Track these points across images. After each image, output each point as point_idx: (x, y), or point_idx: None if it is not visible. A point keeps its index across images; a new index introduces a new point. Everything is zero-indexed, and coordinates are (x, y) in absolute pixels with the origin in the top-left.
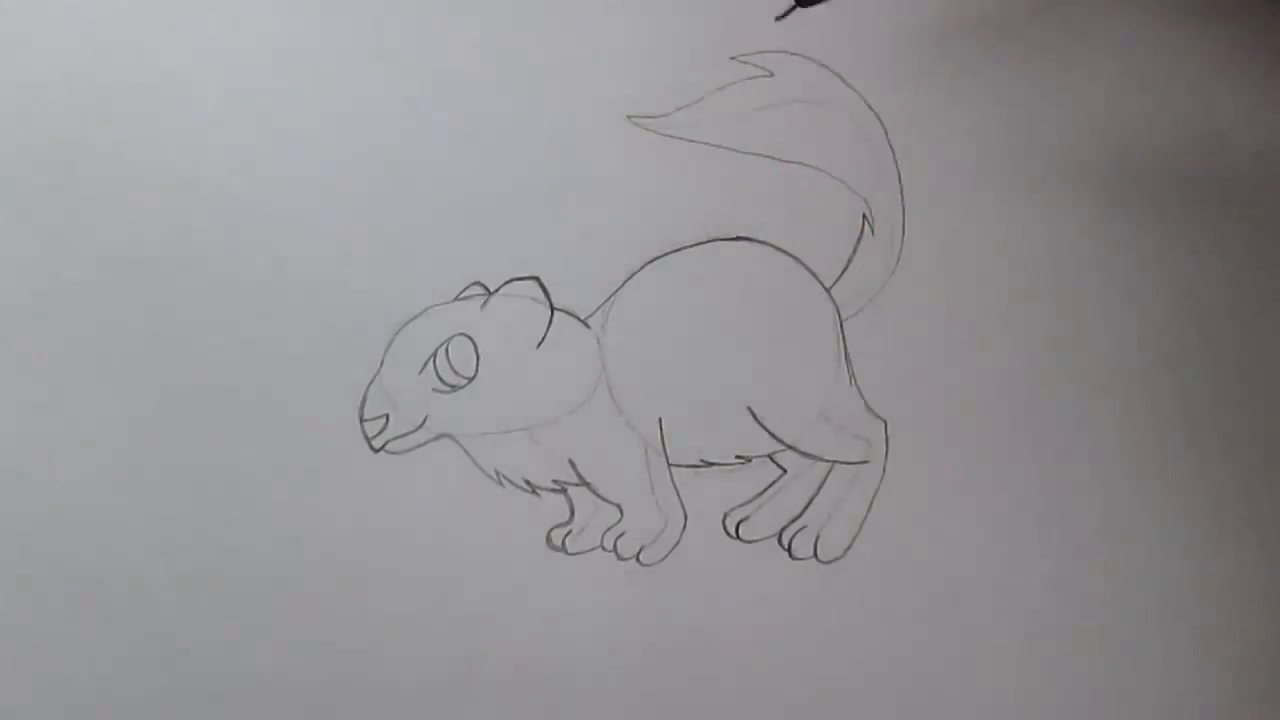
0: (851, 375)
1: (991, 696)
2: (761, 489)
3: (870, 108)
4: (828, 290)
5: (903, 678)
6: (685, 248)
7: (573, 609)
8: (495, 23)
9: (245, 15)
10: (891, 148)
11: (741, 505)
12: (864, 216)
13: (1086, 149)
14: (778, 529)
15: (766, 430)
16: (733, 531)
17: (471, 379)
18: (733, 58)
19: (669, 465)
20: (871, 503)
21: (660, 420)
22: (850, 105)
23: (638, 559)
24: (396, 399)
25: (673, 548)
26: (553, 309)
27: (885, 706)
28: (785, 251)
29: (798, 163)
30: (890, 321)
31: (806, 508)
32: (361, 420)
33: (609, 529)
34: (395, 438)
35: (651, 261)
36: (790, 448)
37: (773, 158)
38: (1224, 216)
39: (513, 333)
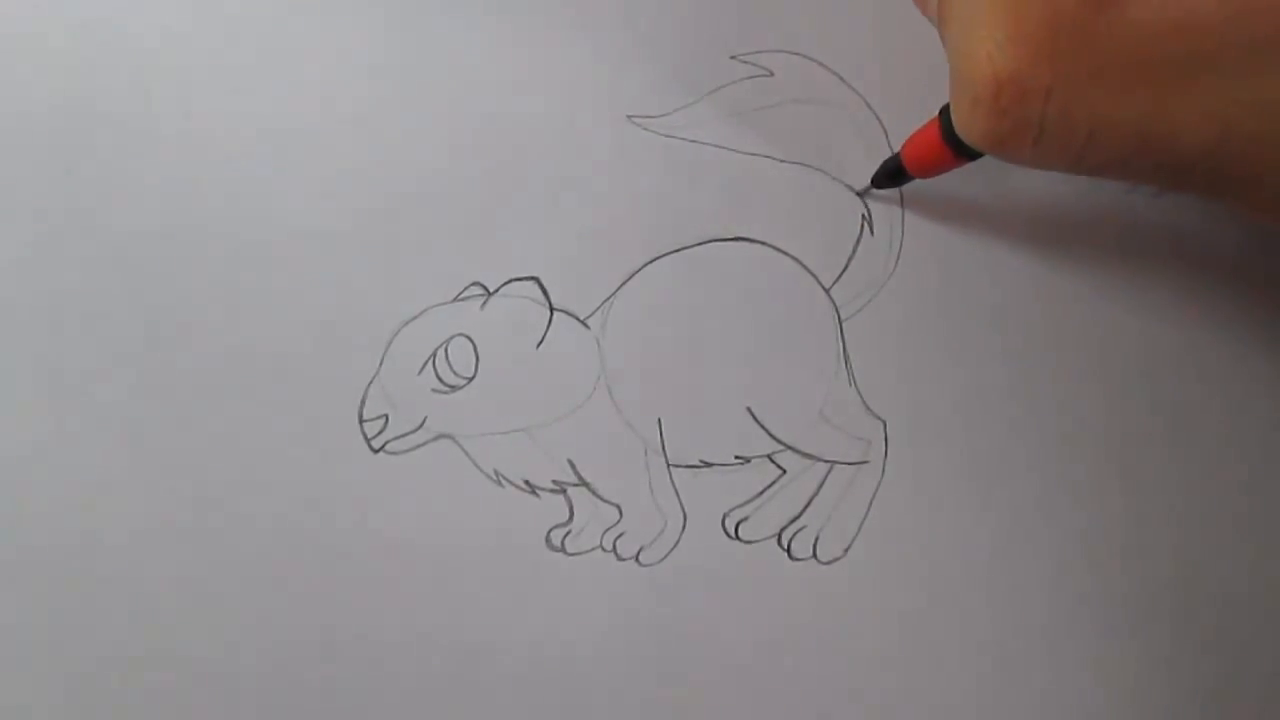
0: (851, 375)
1: (991, 696)
2: (761, 489)
3: (870, 108)
4: (827, 290)
5: (902, 678)
6: (685, 248)
7: (572, 609)
8: (494, 22)
9: (245, 16)
10: (891, 148)
11: (741, 505)
12: (864, 216)
13: None
14: (777, 529)
15: (766, 430)
16: (732, 532)
17: (471, 379)
18: (733, 57)
19: (668, 465)
20: (871, 503)
21: (660, 420)
22: (850, 105)
23: (637, 559)
24: (396, 399)
25: (672, 548)
26: (552, 309)
27: (885, 706)
28: (785, 251)
29: (798, 163)
30: (890, 321)
31: (806, 508)
32: (361, 420)
33: (608, 529)
34: (395, 438)
35: (651, 262)
36: (789, 448)
37: (773, 158)
38: (1228, 217)
39: (512, 333)
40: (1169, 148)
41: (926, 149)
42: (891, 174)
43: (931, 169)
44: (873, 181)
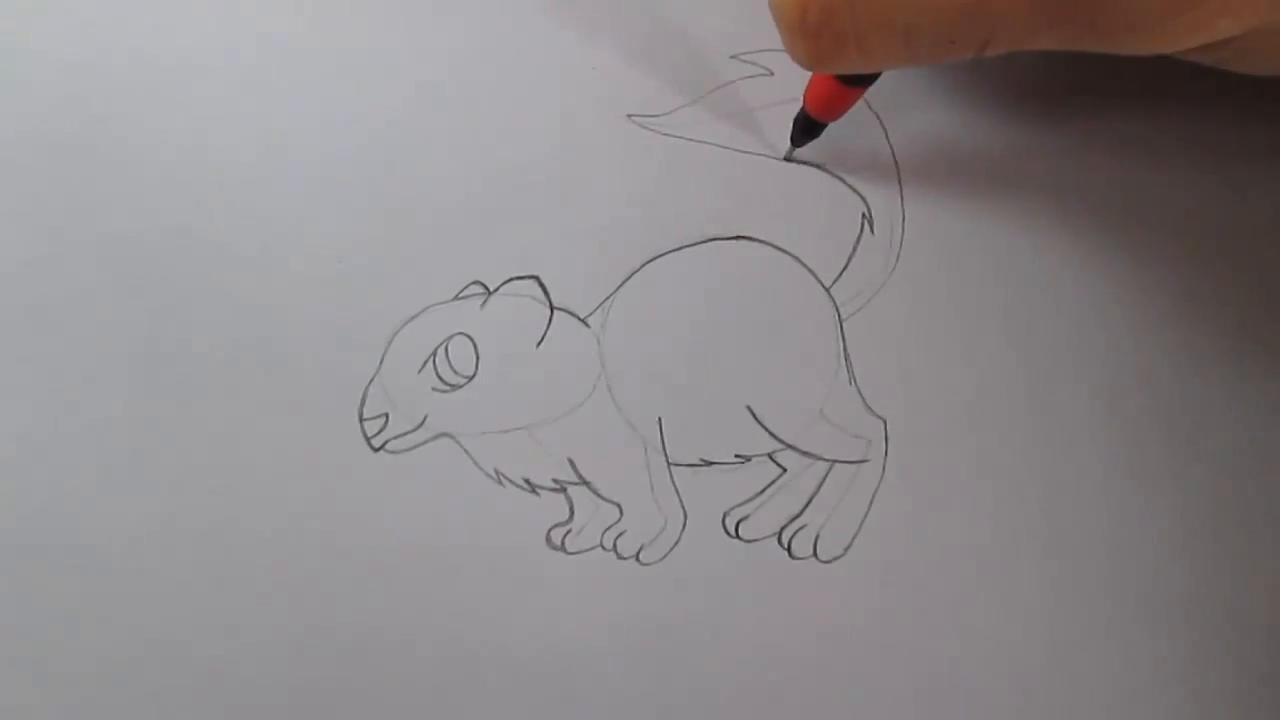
0: (851, 374)
1: (991, 696)
2: (761, 488)
3: (870, 107)
4: (827, 289)
5: (903, 678)
6: (685, 247)
7: (572, 608)
8: (494, 22)
9: (245, 15)
10: (891, 147)
11: (741, 504)
12: (864, 216)
13: (1089, 149)
14: (777, 528)
15: (766, 429)
16: (732, 531)
17: (471, 378)
18: (733, 57)
19: (669, 464)
20: (871, 502)
21: (660, 419)
22: None
23: (637, 558)
24: (396, 398)
25: (672, 547)
26: (552, 308)
27: (885, 706)
28: (785, 251)
29: (798, 162)
30: (890, 321)
31: (806, 507)
32: (361, 420)
33: (609, 528)
34: (395, 437)
35: (651, 261)
36: (790, 447)
37: (773, 157)
38: (1226, 218)
39: (512, 332)
40: (984, 12)
41: (819, 89)
42: (804, 128)
43: (832, 108)
44: (791, 141)
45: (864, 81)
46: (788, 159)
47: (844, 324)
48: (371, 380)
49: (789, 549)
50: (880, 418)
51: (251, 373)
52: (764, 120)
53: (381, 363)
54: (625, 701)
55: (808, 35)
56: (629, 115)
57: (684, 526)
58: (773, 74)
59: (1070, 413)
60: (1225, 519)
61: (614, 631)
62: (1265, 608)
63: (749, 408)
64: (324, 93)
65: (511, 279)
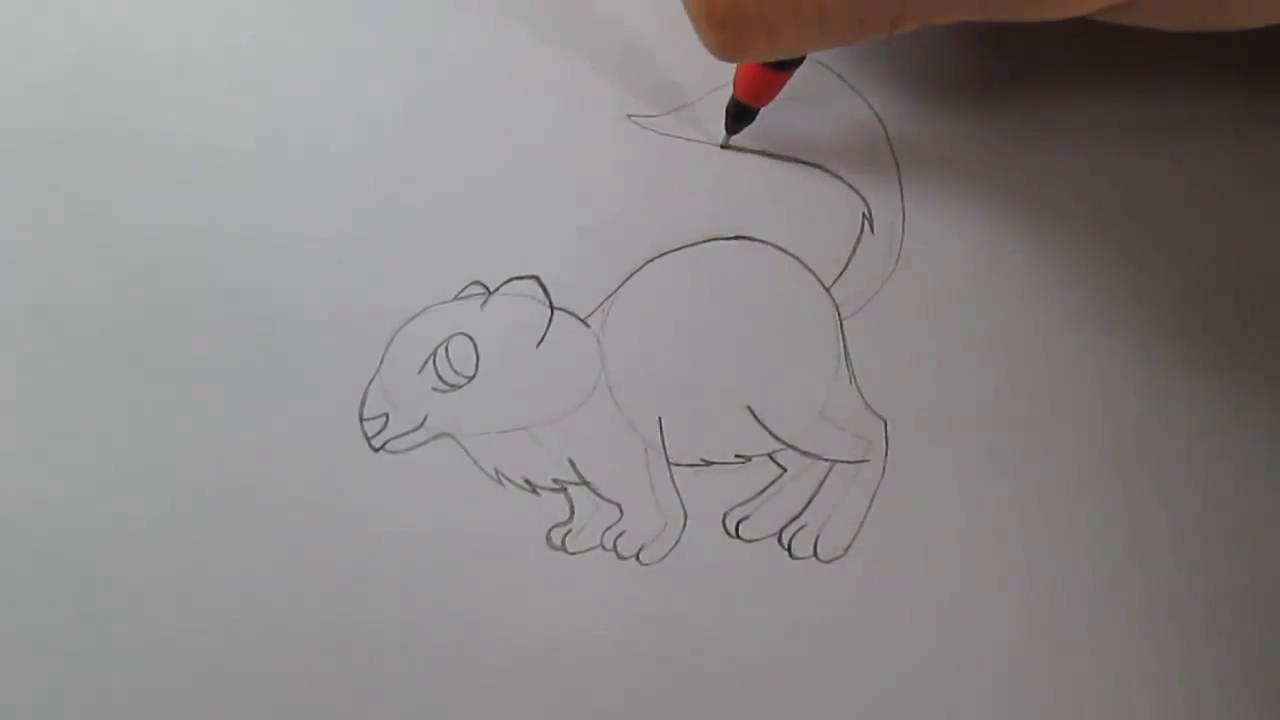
0: (851, 374)
1: (991, 696)
2: (761, 488)
3: (870, 107)
4: (827, 289)
5: (903, 678)
6: (685, 246)
7: (572, 608)
8: (494, 21)
9: (244, 15)
10: (891, 147)
11: (741, 504)
12: (864, 215)
13: (1089, 149)
14: (778, 528)
15: (766, 429)
16: (733, 531)
17: (471, 378)
18: None
19: (669, 464)
20: (871, 502)
21: (660, 419)
22: (850, 105)
23: (637, 558)
24: (396, 398)
25: (672, 547)
26: (552, 308)
27: (885, 706)
28: (785, 250)
29: (798, 161)
30: (890, 321)
31: (806, 507)
32: (361, 420)
33: (609, 528)
34: (395, 437)
35: (651, 260)
36: (790, 447)
37: (773, 157)
38: (1225, 218)
39: (512, 332)
40: None
41: (747, 75)
42: (736, 115)
43: (761, 93)
44: (726, 129)
45: (788, 66)
46: (724, 147)
47: (844, 324)
48: (371, 380)
49: (789, 549)
50: (880, 418)
51: (251, 373)
52: (764, 119)
53: (381, 363)
54: (625, 701)
55: (715, 26)
56: (629, 115)
57: (684, 526)
58: None
59: (1070, 412)
60: (1224, 520)
61: (614, 631)
62: (1258, 609)
63: (749, 408)
64: (324, 92)
65: (511, 279)
